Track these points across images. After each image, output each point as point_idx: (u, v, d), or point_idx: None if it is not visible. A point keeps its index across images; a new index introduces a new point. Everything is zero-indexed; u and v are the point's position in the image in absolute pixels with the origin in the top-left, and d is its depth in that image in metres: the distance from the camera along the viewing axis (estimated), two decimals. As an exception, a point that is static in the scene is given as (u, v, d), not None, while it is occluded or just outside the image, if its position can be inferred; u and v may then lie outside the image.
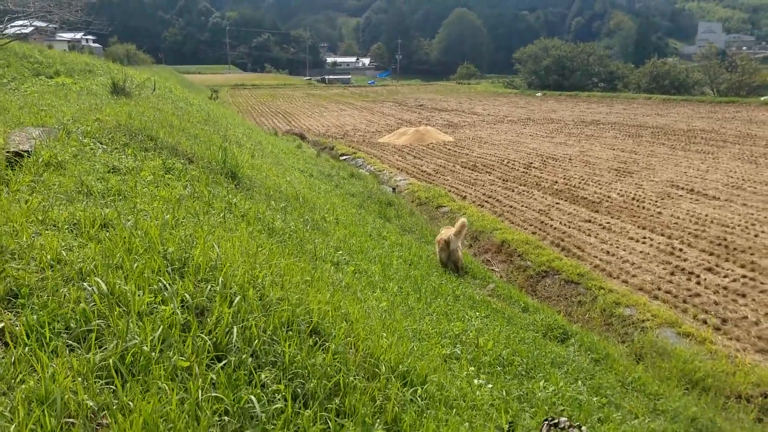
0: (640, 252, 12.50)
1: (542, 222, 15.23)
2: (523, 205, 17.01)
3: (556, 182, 19.66)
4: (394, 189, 19.49)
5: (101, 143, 6.31)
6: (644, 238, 13.38)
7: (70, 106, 7.95)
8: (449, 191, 18.99)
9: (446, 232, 9.46)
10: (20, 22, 10.79)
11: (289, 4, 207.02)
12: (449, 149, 27.93)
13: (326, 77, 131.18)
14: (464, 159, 25.02)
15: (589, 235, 13.85)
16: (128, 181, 4.92)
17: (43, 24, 11.84)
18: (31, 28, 11.39)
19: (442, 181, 21.17)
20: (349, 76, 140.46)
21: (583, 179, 19.85)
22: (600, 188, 18.37)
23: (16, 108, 7.55)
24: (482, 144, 29.07)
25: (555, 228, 14.68)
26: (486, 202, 17.69)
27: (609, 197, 17.16)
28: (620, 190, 17.98)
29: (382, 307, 4.73)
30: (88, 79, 13.57)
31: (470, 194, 18.73)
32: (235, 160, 7.08)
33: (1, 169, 4.71)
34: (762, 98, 51.06)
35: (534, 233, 14.31)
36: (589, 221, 14.94)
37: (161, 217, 3.88)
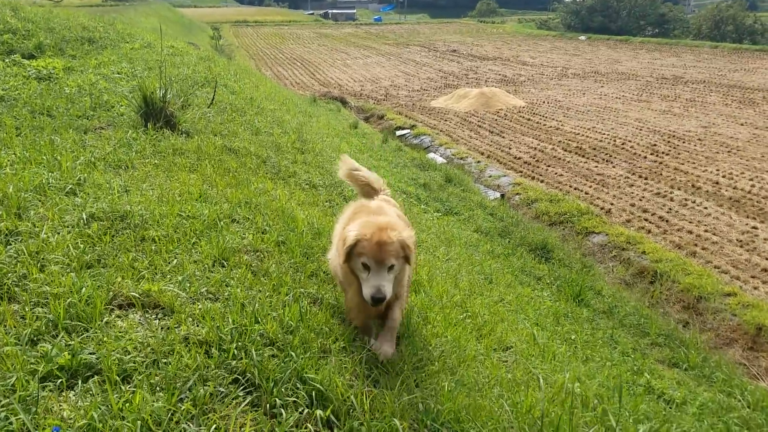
0: None
1: (765, 270, 10.33)
2: (706, 230, 12.06)
3: (717, 183, 14.65)
4: (502, 195, 14.40)
5: None
6: None
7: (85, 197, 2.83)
8: (583, 201, 13.93)
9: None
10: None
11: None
12: (528, 119, 22.59)
13: (329, 12, 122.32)
14: (559, 137, 19.78)
15: None
16: None
17: None
18: None
19: (554, 176, 16.08)
20: (354, 11, 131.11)
21: (748, 178, 14.89)
22: (793, 198, 13.41)
23: None
24: (566, 111, 23.72)
25: (795, 285, 9.82)
26: (647, 221, 12.71)
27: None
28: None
29: None
30: (90, 58, 8.21)
31: (613, 205, 13.71)
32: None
33: None
34: None
35: (776, 298, 9.45)
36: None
37: None
